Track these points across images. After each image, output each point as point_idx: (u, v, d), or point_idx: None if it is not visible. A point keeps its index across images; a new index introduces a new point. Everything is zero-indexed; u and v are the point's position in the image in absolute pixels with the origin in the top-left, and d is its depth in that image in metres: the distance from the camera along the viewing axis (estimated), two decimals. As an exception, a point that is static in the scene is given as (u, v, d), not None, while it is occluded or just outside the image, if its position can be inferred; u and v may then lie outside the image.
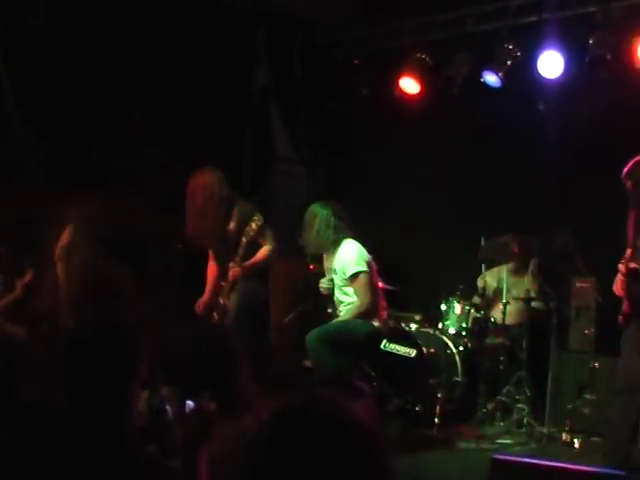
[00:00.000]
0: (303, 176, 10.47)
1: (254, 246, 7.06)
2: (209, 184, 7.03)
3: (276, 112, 10.33)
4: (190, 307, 7.21)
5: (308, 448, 1.58)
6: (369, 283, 7.25)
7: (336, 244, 7.34)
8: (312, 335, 7.18)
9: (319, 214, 7.36)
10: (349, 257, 7.26)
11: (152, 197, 8.07)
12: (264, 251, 7.12)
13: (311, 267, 9.18)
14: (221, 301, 7.09)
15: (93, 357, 2.88)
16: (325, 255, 7.58)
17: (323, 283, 7.52)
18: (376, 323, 7.28)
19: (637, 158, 6.28)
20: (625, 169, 6.29)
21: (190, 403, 2.98)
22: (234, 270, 6.96)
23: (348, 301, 7.32)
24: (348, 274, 7.21)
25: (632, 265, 6.09)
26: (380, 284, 7.59)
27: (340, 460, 1.58)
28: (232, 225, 7.09)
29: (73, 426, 2.73)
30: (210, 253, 7.40)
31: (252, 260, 7.06)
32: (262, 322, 7.74)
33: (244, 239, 6.88)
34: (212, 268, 7.40)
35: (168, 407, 3.19)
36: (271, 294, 7.92)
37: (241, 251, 6.91)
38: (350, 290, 7.28)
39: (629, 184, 6.27)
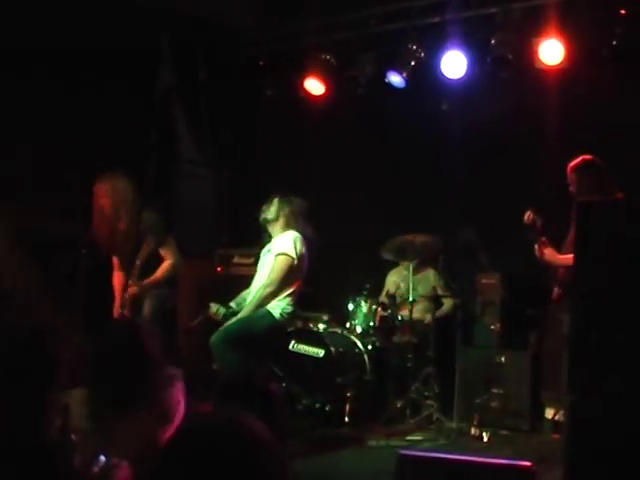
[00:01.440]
0: (209, 178, 10.40)
1: (156, 257, 6.99)
2: (120, 189, 6.89)
3: (181, 114, 10.24)
4: (94, 313, 7.07)
5: (207, 465, 1.57)
6: (286, 269, 7.49)
7: (283, 231, 7.70)
8: (215, 337, 7.24)
9: (291, 202, 7.78)
10: (285, 241, 7.61)
11: (53, 200, 7.92)
12: (165, 267, 7.07)
13: (219, 269, 9.14)
14: (125, 312, 6.97)
15: (11, 361, 2.82)
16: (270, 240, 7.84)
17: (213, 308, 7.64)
18: (277, 313, 7.39)
19: (586, 157, 6.51)
20: (572, 163, 6.54)
21: (102, 458, 2.88)
22: (132, 288, 6.88)
23: None
24: (275, 252, 7.54)
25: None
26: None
27: (238, 476, 1.56)
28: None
29: None
30: (115, 261, 7.29)
31: (152, 278, 6.99)
32: (171, 326, 7.68)
33: (137, 262, 6.82)
34: (118, 277, 7.30)
35: (77, 455, 3.08)
36: (179, 296, 7.86)
37: (135, 272, 6.85)
38: None
39: (573, 177, 6.49)
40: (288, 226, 7.71)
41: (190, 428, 1.69)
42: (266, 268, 7.64)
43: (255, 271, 7.90)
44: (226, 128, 10.28)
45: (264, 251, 7.84)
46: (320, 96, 9.49)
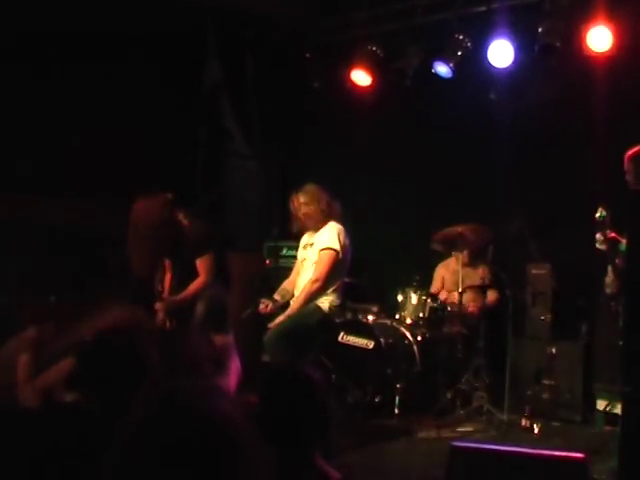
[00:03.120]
0: (258, 171, 10.43)
1: (191, 266, 7.03)
2: (150, 211, 6.82)
3: (229, 108, 10.28)
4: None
5: (167, 441, 1.55)
6: (333, 263, 7.46)
7: (325, 222, 7.63)
8: (269, 336, 7.29)
9: (321, 189, 7.68)
10: (330, 234, 7.55)
11: (102, 196, 8.00)
12: (197, 284, 7.07)
13: (267, 262, 9.17)
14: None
15: (111, 357, 2.95)
16: (309, 232, 7.81)
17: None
18: (326, 307, 7.38)
19: None
20: (630, 152, 6.49)
21: None
22: (159, 306, 6.91)
23: None
24: (321, 247, 7.49)
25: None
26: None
27: (199, 453, 1.54)
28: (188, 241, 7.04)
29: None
30: (167, 263, 7.35)
31: (182, 294, 6.99)
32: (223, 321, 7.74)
33: (159, 286, 6.93)
34: (169, 278, 7.37)
35: None
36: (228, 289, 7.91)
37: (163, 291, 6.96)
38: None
39: (630, 167, 6.44)
40: (327, 216, 7.64)
41: (153, 405, 1.67)
42: (310, 262, 7.64)
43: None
44: (274, 120, 10.29)
45: (305, 242, 7.84)
46: (367, 87, 9.49)
